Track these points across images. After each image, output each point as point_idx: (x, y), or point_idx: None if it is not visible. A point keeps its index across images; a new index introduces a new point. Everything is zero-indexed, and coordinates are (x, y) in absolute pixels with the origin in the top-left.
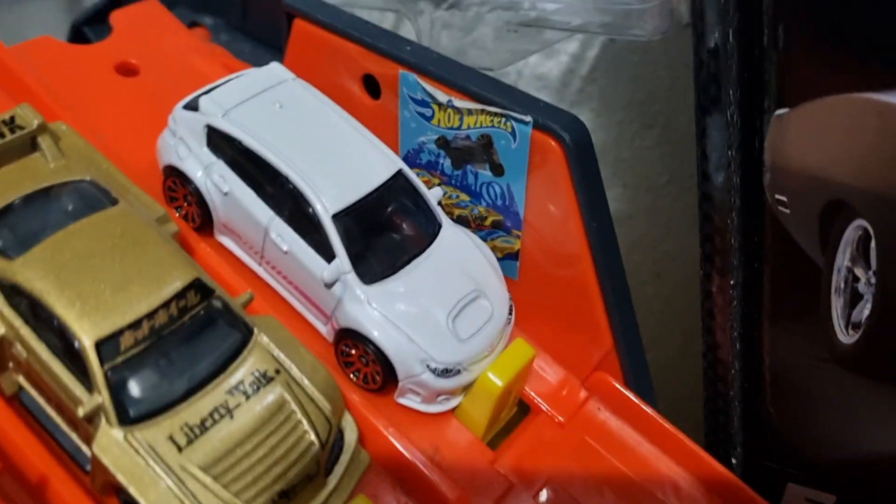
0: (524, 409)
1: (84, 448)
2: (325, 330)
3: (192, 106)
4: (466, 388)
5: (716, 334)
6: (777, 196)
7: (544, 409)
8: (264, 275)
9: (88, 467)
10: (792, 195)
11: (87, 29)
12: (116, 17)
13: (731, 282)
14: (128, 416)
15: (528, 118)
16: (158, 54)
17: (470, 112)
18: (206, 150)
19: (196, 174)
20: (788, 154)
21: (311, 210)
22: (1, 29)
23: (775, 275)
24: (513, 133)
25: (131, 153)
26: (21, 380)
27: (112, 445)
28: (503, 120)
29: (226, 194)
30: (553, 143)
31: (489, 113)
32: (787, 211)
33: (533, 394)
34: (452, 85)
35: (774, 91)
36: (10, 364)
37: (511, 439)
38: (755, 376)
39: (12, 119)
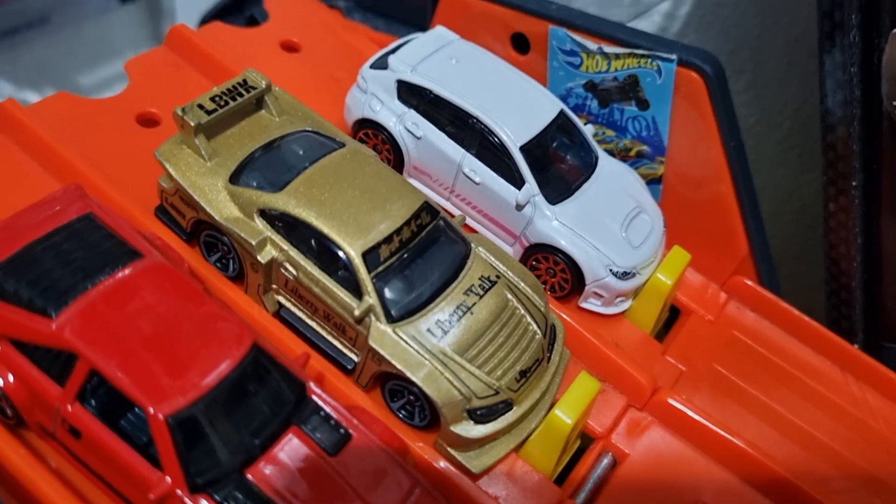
0: (675, 312)
1: (347, 351)
2: (511, 250)
3: (380, 65)
4: (636, 292)
5: (838, 232)
6: (895, 103)
7: (695, 309)
8: (452, 209)
9: (350, 367)
10: None
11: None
12: (271, 3)
13: (853, 183)
14: (392, 315)
15: (673, 56)
16: (314, 33)
17: (618, 56)
18: (397, 101)
19: (390, 123)
20: None
21: (500, 144)
22: (90, 41)
23: (893, 173)
24: (658, 71)
25: None
26: (281, 299)
27: (384, 338)
28: (649, 60)
29: (419, 139)
30: (695, 75)
31: (636, 55)
32: None
33: (683, 299)
34: (602, 34)
35: (891, 12)
36: (274, 285)
37: (671, 336)
38: (875, 267)
39: (245, 81)
